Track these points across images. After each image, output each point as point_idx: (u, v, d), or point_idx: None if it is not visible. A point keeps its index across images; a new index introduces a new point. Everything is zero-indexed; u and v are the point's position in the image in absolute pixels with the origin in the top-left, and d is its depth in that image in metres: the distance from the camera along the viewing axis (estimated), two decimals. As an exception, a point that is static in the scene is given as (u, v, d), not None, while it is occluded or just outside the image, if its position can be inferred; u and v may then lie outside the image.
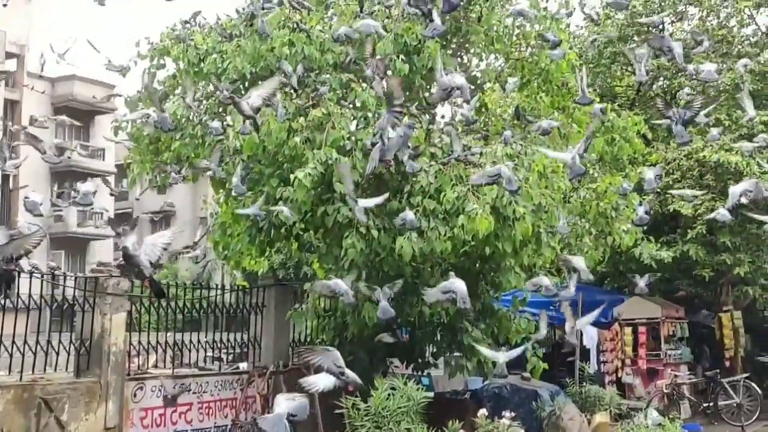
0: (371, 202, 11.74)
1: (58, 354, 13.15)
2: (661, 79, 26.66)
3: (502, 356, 12.17)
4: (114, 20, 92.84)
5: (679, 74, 25.95)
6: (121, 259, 10.07)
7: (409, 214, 12.16)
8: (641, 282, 14.80)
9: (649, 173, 13.87)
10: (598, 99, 17.86)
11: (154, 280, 9.75)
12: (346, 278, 11.68)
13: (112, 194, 24.10)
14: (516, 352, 12.37)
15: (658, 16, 17.19)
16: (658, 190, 22.10)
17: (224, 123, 14.09)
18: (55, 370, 13.43)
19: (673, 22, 27.76)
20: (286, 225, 13.93)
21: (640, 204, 15.64)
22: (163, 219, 61.05)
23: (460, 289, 10.85)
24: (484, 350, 13.00)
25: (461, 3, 13.47)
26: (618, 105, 24.01)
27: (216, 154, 13.60)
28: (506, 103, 18.20)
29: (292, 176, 12.66)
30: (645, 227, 17.49)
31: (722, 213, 13.38)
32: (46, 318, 13.20)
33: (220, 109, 14.98)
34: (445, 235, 12.74)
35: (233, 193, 14.71)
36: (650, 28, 26.88)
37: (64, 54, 15.72)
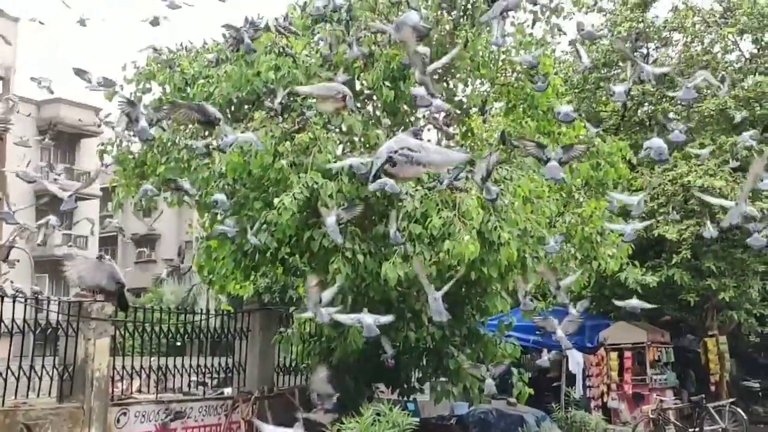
0: None
1: (40, 379, 13.06)
2: (646, 104, 26.79)
3: (490, 379, 12.19)
4: (104, 34, 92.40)
5: (664, 100, 26.11)
6: None
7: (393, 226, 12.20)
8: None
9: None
10: (583, 124, 17.88)
11: (123, 293, 9.77)
12: (328, 291, 11.51)
13: (89, 219, 24.06)
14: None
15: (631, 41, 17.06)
16: (643, 215, 22.18)
17: (210, 147, 14.06)
18: (38, 395, 13.34)
19: (657, 48, 27.92)
20: (271, 249, 13.90)
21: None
22: (148, 243, 60.87)
23: (435, 306, 10.84)
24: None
25: (430, 30, 13.46)
26: (603, 130, 24.08)
27: (193, 176, 13.62)
28: (492, 128, 18.23)
29: (276, 200, 12.63)
30: (630, 251, 17.52)
31: (711, 231, 13.52)
32: (29, 342, 13.10)
33: (206, 133, 14.93)
34: (430, 259, 12.73)
35: (218, 217, 14.69)
36: (635, 52, 27.12)
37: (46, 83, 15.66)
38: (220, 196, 13.04)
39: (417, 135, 10.51)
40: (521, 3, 10.96)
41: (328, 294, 10.89)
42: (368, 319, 10.95)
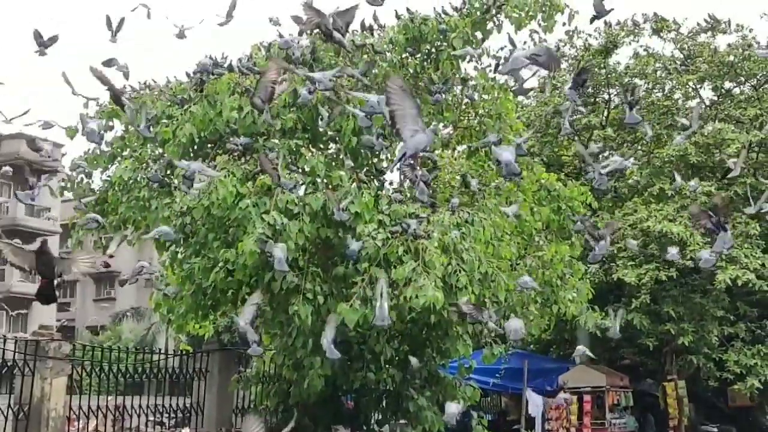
0: None
1: (-6, 418, 12.90)
2: (607, 150, 27.08)
3: (454, 406, 12.20)
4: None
5: (625, 144, 26.42)
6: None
7: (353, 243, 12.32)
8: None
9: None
10: (544, 168, 18.03)
11: (53, 285, 9.64)
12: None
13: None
14: None
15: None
16: (603, 259, 22.36)
17: (172, 186, 14.02)
18: (-8, 435, 13.16)
19: (618, 93, 28.28)
20: (231, 289, 13.84)
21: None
22: (107, 280, 60.48)
23: (380, 313, 10.84)
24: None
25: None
26: (564, 174, 24.30)
27: (153, 215, 13.65)
28: (454, 171, 18.32)
29: (240, 244, 12.52)
30: (590, 296, 17.62)
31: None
32: (-17, 382, 12.97)
33: (168, 171, 14.89)
34: (391, 300, 12.67)
35: (179, 255, 14.61)
36: (596, 99, 27.54)
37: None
38: (165, 229, 13.02)
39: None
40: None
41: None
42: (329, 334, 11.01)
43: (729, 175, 16.50)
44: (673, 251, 14.70)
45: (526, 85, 16.77)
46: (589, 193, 17.89)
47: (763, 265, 23.29)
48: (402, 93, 8.17)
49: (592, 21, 13.71)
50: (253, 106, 12.98)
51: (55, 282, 9.90)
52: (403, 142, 8.54)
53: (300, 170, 13.88)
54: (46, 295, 10.63)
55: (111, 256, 16.05)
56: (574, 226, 16.36)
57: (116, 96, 12.40)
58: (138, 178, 14.81)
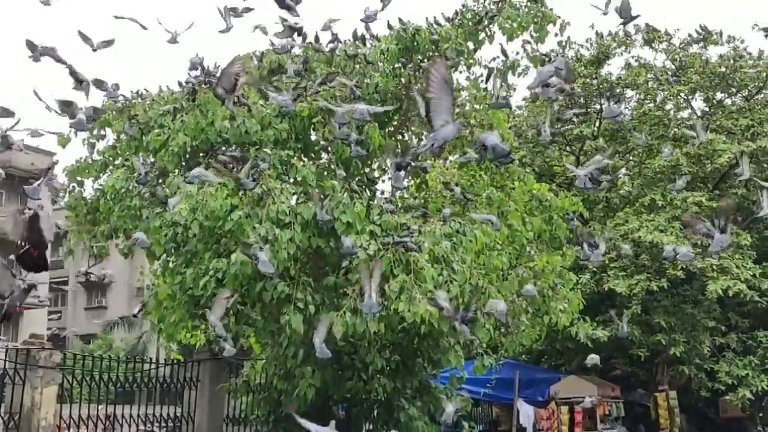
0: None
1: (-15, 428, 12.89)
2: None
3: (451, 406, 12.20)
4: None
5: (617, 155, 26.47)
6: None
7: (347, 240, 12.29)
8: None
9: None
10: (535, 178, 18.04)
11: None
12: None
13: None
14: None
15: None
16: (594, 269, 22.42)
17: (164, 195, 13.98)
18: (-18, 443, 13.14)
19: (610, 104, 28.34)
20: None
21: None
22: (99, 288, 60.39)
23: (368, 302, 10.89)
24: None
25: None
26: (556, 185, 24.35)
27: (144, 224, 13.65)
28: (446, 180, 18.31)
29: (233, 256, 12.48)
30: (581, 306, 17.62)
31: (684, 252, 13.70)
32: (-26, 390, 12.95)
33: (160, 180, 14.87)
34: (382, 309, 12.62)
35: (170, 264, 14.57)
36: (588, 109, 27.61)
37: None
38: (140, 235, 13.02)
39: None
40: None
41: None
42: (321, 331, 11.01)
43: (740, 178, 16.54)
44: (668, 248, 14.74)
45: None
46: (581, 203, 17.91)
47: (754, 275, 23.36)
48: (442, 83, 8.20)
49: (622, 24, 13.87)
50: (216, 96, 12.93)
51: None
52: (434, 131, 8.58)
53: (291, 180, 13.89)
54: (35, 263, 10.48)
55: (135, 316, 16.10)
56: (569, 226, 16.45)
57: (75, 75, 12.24)
58: (130, 187, 14.80)
